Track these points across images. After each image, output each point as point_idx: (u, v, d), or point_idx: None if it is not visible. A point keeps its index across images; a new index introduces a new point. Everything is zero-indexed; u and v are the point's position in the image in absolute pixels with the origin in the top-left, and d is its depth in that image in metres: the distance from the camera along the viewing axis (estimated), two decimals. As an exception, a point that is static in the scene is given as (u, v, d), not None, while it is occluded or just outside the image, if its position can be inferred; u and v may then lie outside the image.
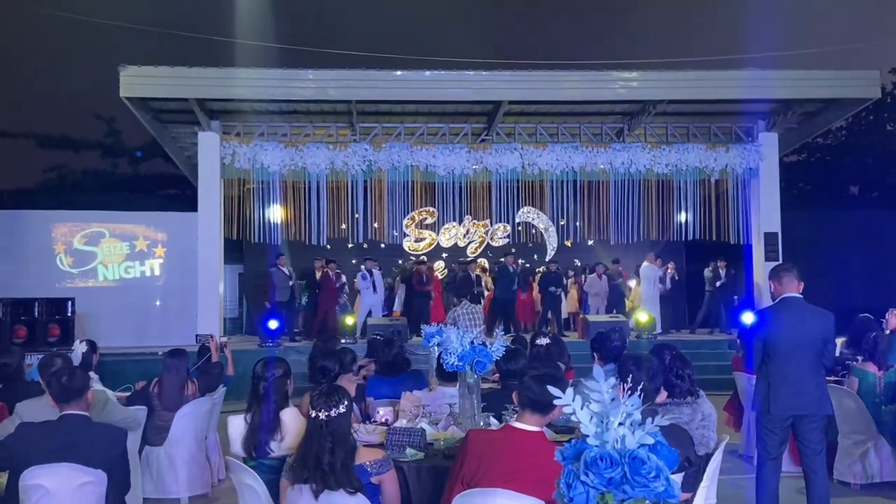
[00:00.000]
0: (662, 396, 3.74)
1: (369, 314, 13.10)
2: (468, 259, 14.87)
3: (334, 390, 3.28)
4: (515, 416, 3.18)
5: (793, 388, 4.43)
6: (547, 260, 15.62)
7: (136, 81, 11.02)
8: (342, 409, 3.18)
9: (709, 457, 3.61)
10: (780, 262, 4.68)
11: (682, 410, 3.63)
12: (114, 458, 3.57)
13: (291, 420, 3.82)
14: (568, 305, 14.77)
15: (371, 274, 13.30)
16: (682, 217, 13.39)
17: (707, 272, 13.92)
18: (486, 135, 13.13)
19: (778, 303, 4.63)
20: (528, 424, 3.07)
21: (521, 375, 3.13)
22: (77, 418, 3.59)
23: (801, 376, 4.44)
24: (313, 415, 3.16)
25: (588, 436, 1.59)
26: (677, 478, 3.13)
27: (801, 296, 4.59)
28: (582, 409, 1.60)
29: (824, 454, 4.61)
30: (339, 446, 3.12)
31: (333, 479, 3.08)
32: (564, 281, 14.23)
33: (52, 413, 3.69)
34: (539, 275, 14.32)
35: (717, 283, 13.60)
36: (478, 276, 13.56)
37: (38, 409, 4.18)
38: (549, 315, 13.56)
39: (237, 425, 3.96)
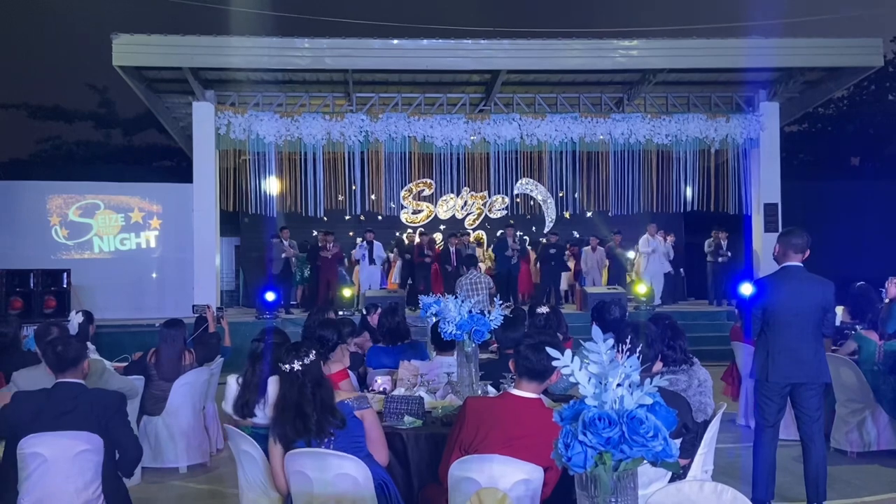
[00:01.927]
0: (658, 366, 3.73)
1: (369, 286, 13.08)
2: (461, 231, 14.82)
3: (301, 344, 3.43)
4: (513, 383, 3.16)
5: (792, 356, 4.43)
6: (546, 231, 15.56)
7: (129, 50, 10.88)
8: (313, 357, 3.32)
9: (706, 424, 3.61)
10: (791, 229, 4.60)
11: (679, 378, 3.63)
12: (112, 422, 3.57)
13: (273, 388, 3.79)
14: (566, 278, 14.75)
15: (371, 245, 13.25)
16: (682, 188, 13.32)
17: (708, 243, 13.85)
18: (485, 105, 13.01)
19: (779, 271, 4.62)
20: (525, 391, 3.05)
21: (517, 344, 3.12)
22: (71, 385, 3.57)
23: (801, 344, 4.44)
24: (287, 368, 3.27)
25: (586, 396, 1.57)
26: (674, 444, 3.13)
27: (801, 265, 4.56)
28: (581, 370, 1.57)
29: (822, 421, 4.62)
30: (318, 388, 3.27)
31: (317, 417, 3.19)
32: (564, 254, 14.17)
33: (49, 382, 3.70)
34: (540, 246, 14.25)
35: (720, 256, 13.50)
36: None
37: (35, 378, 4.19)
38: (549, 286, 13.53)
39: (232, 386, 3.97)
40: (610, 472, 1.51)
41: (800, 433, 4.62)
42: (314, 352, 3.35)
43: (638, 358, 1.59)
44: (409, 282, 13.36)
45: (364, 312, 6.72)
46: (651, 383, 1.56)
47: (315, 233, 13.49)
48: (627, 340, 1.74)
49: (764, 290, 4.57)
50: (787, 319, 4.45)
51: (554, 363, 1.64)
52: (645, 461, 1.52)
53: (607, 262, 13.82)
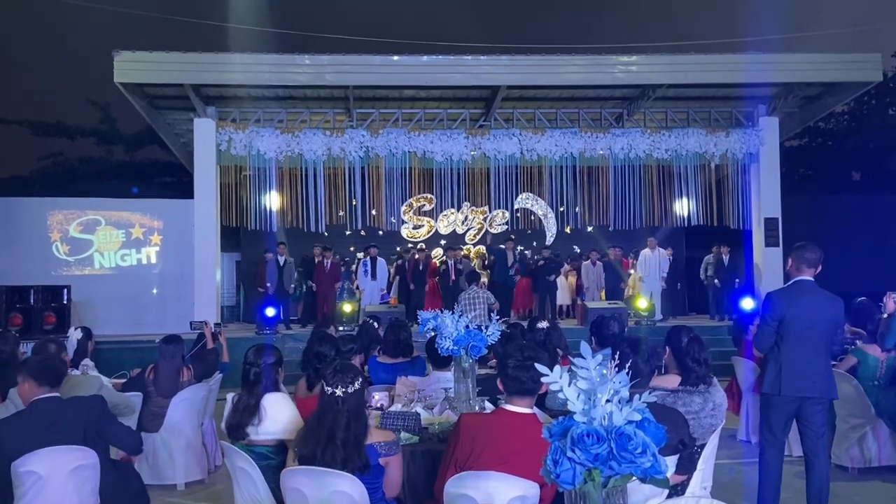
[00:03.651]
0: (674, 382, 3.68)
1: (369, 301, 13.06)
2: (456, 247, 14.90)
3: (349, 367, 3.26)
4: (505, 398, 3.15)
5: (804, 370, 4.45)
6: (546, 245, 15.56)
7: (131, 67, 10.94)
8: (357, 386, 3.18)
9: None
10: (805, 244, 4.68)
11: (693, 399, 3.57)
12: (101, 424, 3.57)
13: (271, 405, 3.74)
14: (566, 292, 14.73)
15: (374, 261, 13.24)
16: (682, 202, 13.33)
17: (707, 259, 13.84)
18: (485, 120, 13.06)
19: (792, 285, 4.63)
20: (519, 407, 3.04)
21: (503, 365, 3.08)
22: (49, 401, 3.57)
23: (812, 359, 4.46)
24: (329, 391, 3.15)
25: (575, 413, 1.56)
26: (671, 460, 3.10)
27: (813, 279, 4.59)
28: (569, 386, 1.57)
29: (826, 437, 4.63)
30: (354, 422, 3.13)
31: (344, 454, 3.08)
32: (560, 268, 14.15)
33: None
34: (536, 262, 14.24)
35: (715, 279, 13.49)
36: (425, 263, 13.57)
37: (31, 395, 4.17)
38: (547, 301, 13.49)
39: (230, 405, 3.94)
40: (599, 488, 1.50)
41: (804, 449, 4.62)
42: (360, 381, 3.20)
43: (628, 373, 1.59)
44: (398, 297, 13.40)
45: (377, 326, 6.74)
46: (640, 399, 1.55)
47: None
48: (617, 356, 1.73)
49: (778, 303, 4.55)
50: (801, 333, 4.46)
51: (543, 379, 1.64)
52: (634, 477, 1.51)
53: (603, 277, 13.79)
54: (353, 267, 14.03)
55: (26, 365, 3.75)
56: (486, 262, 14.21)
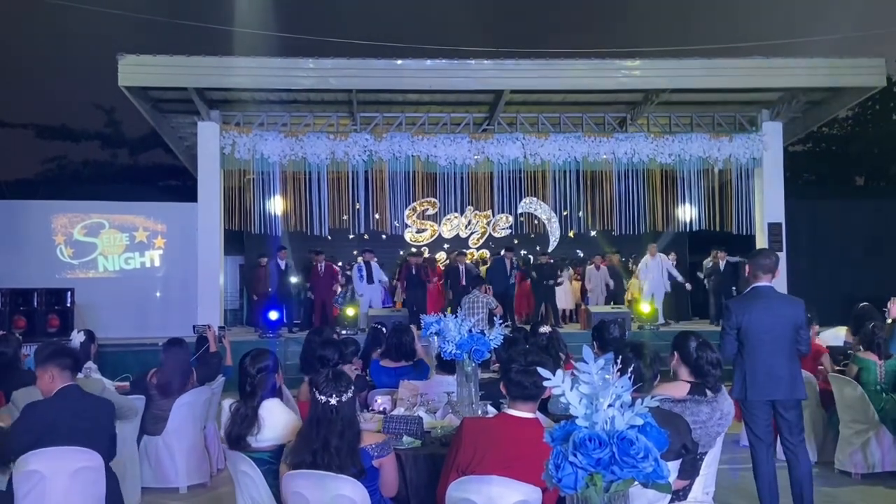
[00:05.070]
0: (682, 390, 3.67)
1: (369, 305, 13.04)
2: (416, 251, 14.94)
3: (340, 375, 3.30)
4: (508, 402, 3.14)
5: (767, 374, 4.57)
6: (549, 251, 15.56)
7: (135, 70, 10.96)
8: (350, 394, 3.22)
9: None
10: (761, 250, 4.90)
11: (701, 409, 3.55)
12: (108, 428, 3.61)
13: (270, 411, 3.72)
14: (571, 297, 14.71)
15: (368, 265, 13.21)
16: (686, 207, 13.31)
17: (707, 262, 13.82)
18: (488, 124, 13.07)
19: (749, 291, 4.77)
20: (521, 412, 3.04)
21: (507, 369, 3.08)
22: (73, 389, 3.61)
23: (774, 362, 4.57)
24: (323, 400, 3.17)
25: (577, 417, 1.56)
26: (674, 465, 3.10)
27: (771, 285, 4.72)
28: (571, 390, 1.57)
29: (803, 434, 4.74)
30: (348, 429, 3.16)
31: (339, 461, 3.10)
32: (560, 273, 14.11)
33: (46, 401, 3.69)
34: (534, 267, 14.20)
35: (714, 275, 13.46)
36: (422, 267, 13.53)
37: (34, 398, 4.18)
38: (543, 308, 13.42)
39: (227, 413, 3.93)
40: (601, 493, 1.50)
41: (783, 448, 4.73)
42: (352, 389, 3.25)
43: (630, 377, 1.59)
44: (403, 301, 13.40)
45: (386, 331, 6.75)
46: (642, 403, 1.55)
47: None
48: (619, 360, 1.73)
49: (735, 311, 4.70)
50: (761, 338, 4.59)
51: (545, 383, 1.64)
52: (636, 482, 1.51)
53: (612, 282, 13.77)
54: (348, 271, 13.99)
55: (46, 354, 3.74)
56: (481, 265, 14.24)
